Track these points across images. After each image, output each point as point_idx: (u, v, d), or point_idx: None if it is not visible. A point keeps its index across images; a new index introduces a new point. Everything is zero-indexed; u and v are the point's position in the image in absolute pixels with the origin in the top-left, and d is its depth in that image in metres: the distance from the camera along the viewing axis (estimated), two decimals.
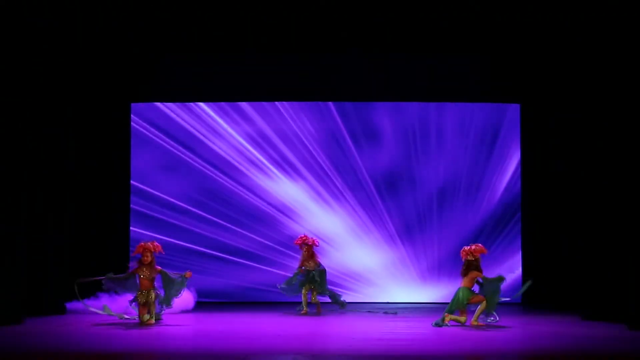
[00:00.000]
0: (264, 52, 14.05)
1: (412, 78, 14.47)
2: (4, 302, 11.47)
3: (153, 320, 11.69)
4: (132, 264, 12.06)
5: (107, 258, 13.66)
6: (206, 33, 13.52)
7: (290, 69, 14.40)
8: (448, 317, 11.51)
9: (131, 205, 14.53)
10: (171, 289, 11.91)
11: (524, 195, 14.56)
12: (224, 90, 14.55)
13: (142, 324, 11.58)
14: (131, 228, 14.44)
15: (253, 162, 14.76)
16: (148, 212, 14.52)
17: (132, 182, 14.57)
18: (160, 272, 11.90)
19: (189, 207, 14.66)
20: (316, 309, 13.13)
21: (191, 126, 14.72)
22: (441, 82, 14.46)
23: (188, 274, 12.01)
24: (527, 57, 14.13)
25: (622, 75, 12.00)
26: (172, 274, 11.99)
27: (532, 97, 14.42)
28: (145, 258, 11.82)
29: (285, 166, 14.77)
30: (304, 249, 13.26)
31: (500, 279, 11.54)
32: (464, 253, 11.72)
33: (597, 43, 12.37)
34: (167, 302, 11.91)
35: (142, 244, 11.95)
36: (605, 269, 12.22)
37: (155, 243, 11.99)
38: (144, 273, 11.80)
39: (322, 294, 13.25)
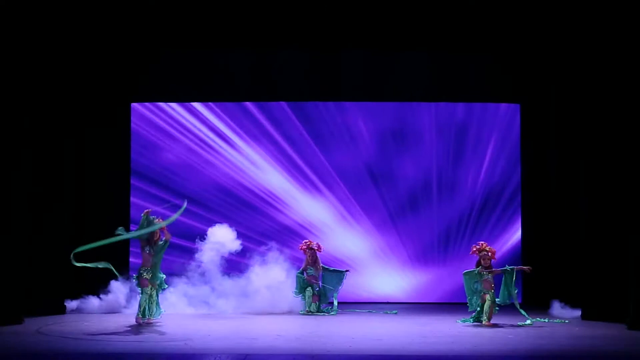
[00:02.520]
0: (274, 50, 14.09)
1: (411, 78, 14.46)
2: (4, 302, 11.47)
3: (152, 319, 11.69)
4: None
5: (106, 257, 13.61)
6: (207, 33, 13.54)
7: (286, 68, 14.43)
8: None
9: (131, 205, 14.52)
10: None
11: (524, 195, 14.56)
12: (226, 90, 14.55)
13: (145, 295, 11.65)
14: (131, 227, 14.44)
15: (253, 161, 14.80)
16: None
17: (132, 182, 14.58)
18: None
19: (189, 206, 14.65)
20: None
21: (193, 126, 14.74)
22: (441, 82, 14.45)
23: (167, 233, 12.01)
24: (527, 57, 14.12)
25: (621, 75, 12.01)
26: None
27: (532, 97, 14.41)
28: (152, 235, 11.83)
29: (293, 170, 14.83)
30: (308, 254, 13.39)
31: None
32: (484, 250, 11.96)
33: (596, 43, 12.38)
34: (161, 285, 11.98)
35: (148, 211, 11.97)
36: (605, 269, 12.23)
37: (160, 220, 12.00)
38: (148, 249, 11.81)
39: (325, 302, 13.44)
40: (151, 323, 11.62)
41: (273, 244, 14.02)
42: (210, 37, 13.62)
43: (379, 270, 14.75)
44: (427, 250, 14.74)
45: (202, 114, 14.75)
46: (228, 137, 14.76)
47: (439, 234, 14.73)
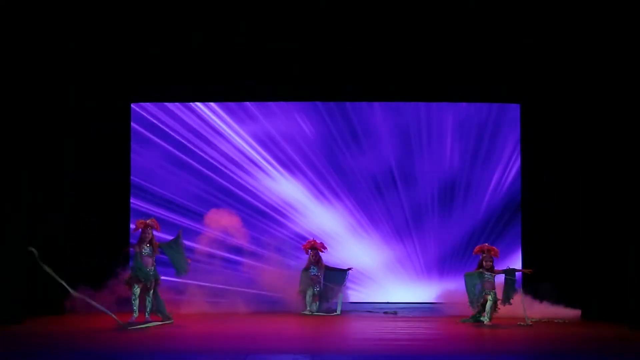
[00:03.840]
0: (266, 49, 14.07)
1: (410, 77, 14.45)
2: (4, 302, 11.47)
3: (149, 318, 11.69)
4: (131, 250, 12.02)
5: (105, 259, 13.60)
6: (206, 32, 13.55)
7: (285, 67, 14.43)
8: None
9: (131, 204, 14.51)
10: (179, 258, 11.88)
11: (524, 195, 14.55)
12: (225, 89, 14.53)
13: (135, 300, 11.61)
14: (131, 226, 14.42)
15: (254, 162, 14.77)
16: (148, 210, 14.50)
17: (132, 181, 14.56)
18: (160, 245, 11.85)
19: (188, 204, 14.62)
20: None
21: (190, 126, 14.73)
22: (440, 82, 14.44)
23: (180, 233, 12.00)
24: (527, 57, 14.11)
25: (621, 75, 12.02)
26: (169, 241, 11.95)
27: (532, 97, 14.40)
28: (146, 235, 11.77)
29: (293, 169, 14.80)
30: (311, 253, 13.40)
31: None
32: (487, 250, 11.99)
33: (596, 44, 12.39)
34: (182, 270, 11.91)
35: (142, 220, 11.93)
36: (605, 269, 12.23)
37: (154, 220, 11.98)
38: (146, 250, 11.72)
39: (327, 302, 13.47)
40: (149, 321, 11.61)
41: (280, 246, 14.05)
42: (211, 36, 13.63)
43: (391, 280, 14.71)
44: (441, 259, 14.70)
45: (207, 116, 14.74)
46: (235, 141, 14.75)
47: (446, 242, 14.70)
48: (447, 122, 14.76)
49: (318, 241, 13.61)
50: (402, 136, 14.77)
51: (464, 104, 14.70)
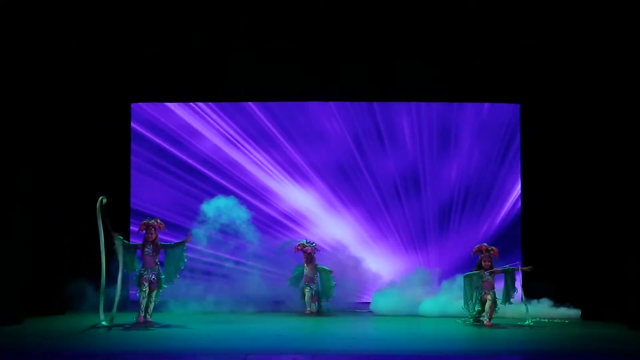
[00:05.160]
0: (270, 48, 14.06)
1: (410, 77, 14.44)
2: (4, 302, 11.47)
3: (150, 319, 11.68)
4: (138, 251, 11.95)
5: (105, 259, 13.58)
6: (206, 32, 13.55)
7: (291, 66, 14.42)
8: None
9: (131, 206, 14.49)
10: (176, 262, 11.82)
11: (524, 195, 14.55)
12: (227, 89, 14.53)
13: (142, 295, 11.58)
14: (131, 228, 14.43)
15: (258, 164, 14.77)
16: (148, 212, 14.49)
17: (132, 182, 14.55)
18: (163, 246, 11.83)
19: (189, 205, 14.62)
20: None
21: (192, 125, 14.71)
22: (440, 82, 14.44)
23: (188, 238, 11.99)
24: (526, 57, 14.11)
25: (621, 75, 12.03)
26: (173, 243, 11.91)
27: (532, 97, 14.40)
28: (150, 235, 11.77)
29: (290, 169, 14.77)
30: (304, 255, 13.39)
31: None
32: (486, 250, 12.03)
33: (596, 44, 12.40)
34: (169, 279, 11.83)
35: (146, 221, 11.91)
36: (605, 268, 12.23)
37: (159, 220, 11.96)
38: (148, 250, 11.74)
39: (326, 299, 13.45)
40: (150, 322, 11.61)
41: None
42: (211, 36, 13.63)
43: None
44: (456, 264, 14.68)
45: (207, 115, 14.74)
46: (238, 142, 14.75)
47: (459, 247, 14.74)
48: (448, 123, 14.76)
49: (308, 241, 13.57)
50: (403, 137, 14.75)
51: (463, 104, 14.70)
